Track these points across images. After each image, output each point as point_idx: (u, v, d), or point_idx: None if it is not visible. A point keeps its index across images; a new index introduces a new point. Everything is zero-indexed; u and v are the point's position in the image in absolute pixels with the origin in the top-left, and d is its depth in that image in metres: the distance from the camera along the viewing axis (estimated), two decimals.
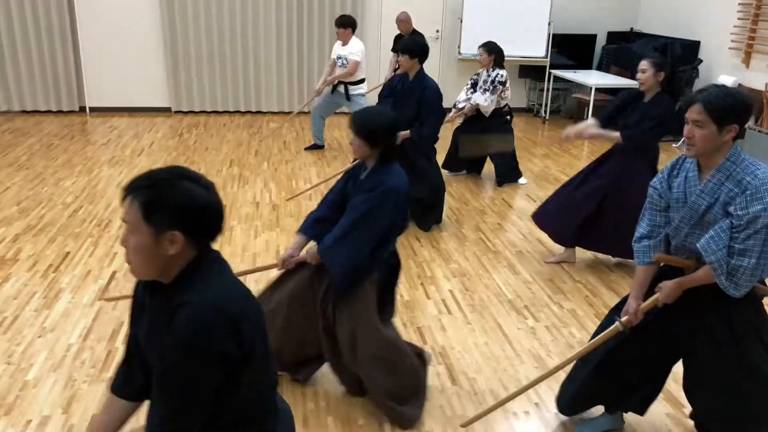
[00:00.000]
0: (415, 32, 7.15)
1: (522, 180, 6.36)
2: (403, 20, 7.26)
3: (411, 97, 4.81)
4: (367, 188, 2.66)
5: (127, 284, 3.99)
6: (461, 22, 8.80)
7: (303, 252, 2.85)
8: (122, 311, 3.69)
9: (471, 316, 3.81)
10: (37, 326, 3.52)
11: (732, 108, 2.16)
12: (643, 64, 4.01)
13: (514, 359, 3.38)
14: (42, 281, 4.04)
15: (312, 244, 2.86)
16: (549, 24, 8.82)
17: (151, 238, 1.43)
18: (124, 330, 3.50)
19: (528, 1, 8.74)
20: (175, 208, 1.42)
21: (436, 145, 5.09)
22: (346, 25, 6.60)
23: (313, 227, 2.82)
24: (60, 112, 8.65)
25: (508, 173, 6.27)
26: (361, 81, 6.75)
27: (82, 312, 3.69)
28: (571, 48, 9.25)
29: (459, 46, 8.91)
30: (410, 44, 4.83)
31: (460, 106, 6.11)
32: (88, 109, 8.71)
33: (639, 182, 3.76)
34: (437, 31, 9.10)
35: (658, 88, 4.02)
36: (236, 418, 1.55)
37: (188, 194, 1.44)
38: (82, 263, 4.31)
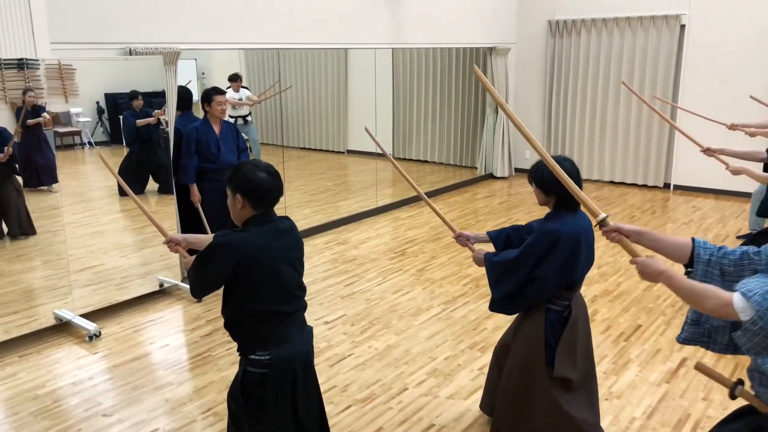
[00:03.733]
0: None
1: None
2: None
3: None
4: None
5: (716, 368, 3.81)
6: None
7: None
8: (690, 402, 3.54)
9: None
10: (605, 388, 3.69)
11: None
12: None
13: None
14: (613, 347, 4.23)
15: None
16: None
17: (231, 197, 2.43)
18: (691, 422, 3.35)
19: None
20: (238, 181, 2.39)
21: None
22: None
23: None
24: (645, 186, 9.04)
25: None
26: None
27: (648, 389, 3.70)
28: None
29: None
30: None
31: None
32: (672, 186, 8.86)
33: None
34: None
35: None
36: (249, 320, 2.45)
37: (249, 175, 2.37)
38: (652, 339, 4.34)
